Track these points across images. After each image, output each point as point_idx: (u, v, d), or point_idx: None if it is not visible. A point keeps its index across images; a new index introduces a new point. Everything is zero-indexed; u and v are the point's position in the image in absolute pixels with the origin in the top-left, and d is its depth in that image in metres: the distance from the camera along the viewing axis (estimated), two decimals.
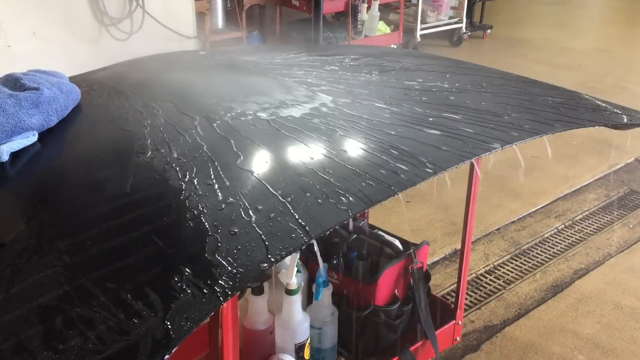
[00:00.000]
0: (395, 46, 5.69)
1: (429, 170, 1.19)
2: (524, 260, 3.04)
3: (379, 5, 5.61)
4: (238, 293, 1.14)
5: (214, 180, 1.15)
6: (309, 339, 1.78)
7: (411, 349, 1.91)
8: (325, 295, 1.80)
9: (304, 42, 5.13)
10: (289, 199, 1.09)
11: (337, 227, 1.13)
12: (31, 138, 1.35)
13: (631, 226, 3.33)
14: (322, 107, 1.48)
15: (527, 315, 2.64)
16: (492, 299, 2.74)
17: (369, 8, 5.59)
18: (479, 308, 2.69)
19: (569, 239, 3.22)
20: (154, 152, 1.26)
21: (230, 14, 5.35)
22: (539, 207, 3.51)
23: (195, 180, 1.15)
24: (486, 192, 3.61)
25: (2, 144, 1.29)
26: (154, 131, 1.35)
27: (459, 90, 1.68)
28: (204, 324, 1.37)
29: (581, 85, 5.30)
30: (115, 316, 0.88)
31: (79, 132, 1.45)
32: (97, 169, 1.28)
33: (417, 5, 6.07)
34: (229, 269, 0.94)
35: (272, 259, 0.96)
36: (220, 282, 0.91)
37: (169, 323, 0.85)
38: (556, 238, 3.23)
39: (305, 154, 1.25)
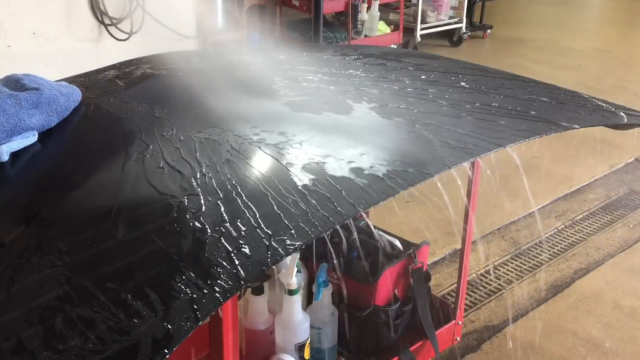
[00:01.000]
0: (395, 46, 5.69)
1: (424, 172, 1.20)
2: (524, 260, 3.04)
3: (379, 5, 5.61)
4: (238, 293, 1.14)
5: (213, 179, 1.15)
6: (309, 339, 1.78)
7: (411, 349, 1.91)
8: (325, 295, 1.80)
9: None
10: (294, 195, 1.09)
11: (337, 227, 1.13)
12: (31, 138, 1.35)
13: (631, 226, 3.33)
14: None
15: (527, 315, 2.64)
16: (492, 299, 2.74)
17: (369, 8, 5.59)
18: (479, 308, 2.69)
19: (569, 239, 3.22)
20: (154, 152, 1.26)
21: (230, 14, 5.35)
22: (539, 207, 3.51)
23: (196, 177, 1.15)
24: (486, 192, 3.60)
25: (2, 143, 1.29)
26: (153, 129, 1.35)
27: (458, 90, 1.68)
28: (204, 324, 1.37)
29: (581, 85, 5.30)
30: (115, 316, 0.88)
31: (79, 131, 1.45)
32: (97, 169, 1.28)
33: (417, 5, 6.06)
34: (229, 268, 0.93)
35: (273, 259, 0.96)
36: (220, 282, 0.91)
37: (169, 323, 0.85)
38: (556, 238, 3.23)
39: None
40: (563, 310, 2.67)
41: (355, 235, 2.02)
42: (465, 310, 2.62)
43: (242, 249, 0.98)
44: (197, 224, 1.03)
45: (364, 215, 2.22)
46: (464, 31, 6.52)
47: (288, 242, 0.98)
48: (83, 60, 3.84)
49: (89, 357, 0.83)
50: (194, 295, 0.89)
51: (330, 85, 1.65)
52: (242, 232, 1.01)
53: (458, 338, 2.13)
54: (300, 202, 1.07)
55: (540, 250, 3.12)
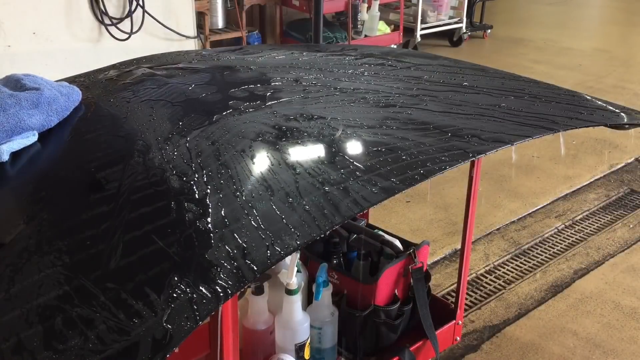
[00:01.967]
0: (395, 46, 5.69)
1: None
2: (524, 260, 3.04)
3: (379, 5, 5.61)
4: (238, 293, 1.14)
5: (213, 179, 1.15)
6: (309, 339, 1.78)
7: (411, 349, 1.91)
8: (325, 295, 1.80)
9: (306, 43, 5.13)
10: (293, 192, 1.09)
11: (337, 226, 1.13)
12: (31, 138, 1.35)
13: (631, 226, 3.33)
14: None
15: (527, 315, 2.64)
16: (492, 299, 2.74)
17: (369, 8, 5.59)
18: (479, 308, 2.69)
19: (569, 239, 3.22)
20: (155, 152, 1.26)
21: (230, 14, 5.35)
22: (539, 207, 3.51)
23: (195, 179, 1.15)
24: (486, 192, 3.61)
25: (2, 143, 1.29)
26: (155, 128, 1.35)
27: (454, 90, 1.68)
28: (204, 324, 1.37)
29: (581, 85, 5.30)
30: (115, 316, 0.88)
31: (79, 131, 1.45)
32: (97, 169, 1.28)
33: (417, 5, 6.06)
34: (229, 268, 0.93)
35: (273, 259, 0.96)
36: (220, 282, 0.91)
37: (169, 323, 0.85)
38: (556, 238, 3.23)
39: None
40: (563, 310, 2.67)
41: (355, 235, 2.02)
42: (465, 310, 2.62)
43: (243, 249, 0.98)
44: (197, 223, 1.04)
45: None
46: (464, 31, 6.52)
47: (289, 241, 0.99)
48: (83, 60, 3.84)
49: (89, 357, 0.83)
50: (194, 295, 0.89)
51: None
52: (243, 232, 1.01)
53: (458, 338, 2.13)
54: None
55: (541, 250, 3.12)
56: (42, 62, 3.80)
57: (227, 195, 1.10)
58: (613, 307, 2.69)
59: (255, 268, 0.95)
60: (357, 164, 1.21)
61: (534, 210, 3.48)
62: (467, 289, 2.76)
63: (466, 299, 2.67)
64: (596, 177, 3.85)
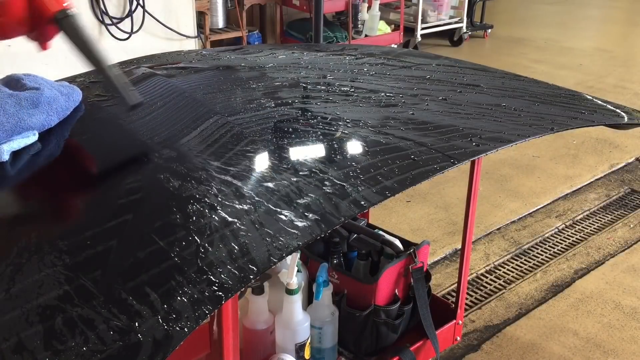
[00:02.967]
0: (395, 46, 5.69)
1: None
2: (525, 260, 3.04)
3: (380, 4, 5.61)
4: (238, 293, 1.14)
5: (213, 180, 1.15)
6: (309, 339, 1.78)
7: (411, 348, 1.91)
8: (325, 295, 1.80)
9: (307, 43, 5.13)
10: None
11: (337, 226, 1.13)
12: (31, 137, 1.35)
13: (632, 226, 3.33)
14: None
15: (527, 315, 2.64)
16: (493, 299, 2.74)
17: (369, 7, 5.59)
18: (480, 308, 2.69)
19: (569, 239, 3.22)
20: (158, 153, 1.26)
21: (231, 14, 5.35)
22: (539, 206, 3.51)
23: (193, 178, 1.15)
24: (486, 192, 3.61)
25: (3, 143, 1.29)
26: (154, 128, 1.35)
27: (455, 90, 1.68)
28: (204, 324, 1.37)
29: (581, 84, 5.30)
30: (115, 316, 0.88)
31: (79, 131, 1.45)
32: (97, 168, 1.28)
33: (417, 4, 6.06)
34: (229, 268, 0.93)
35: (273, 259, 0.96)
36: (220, 282, 0.91)
37: (169, 323, 0.85)
38: (557, 238, 3.23)
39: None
40: (563, 309, 2.67)
41: (356, 235, 2.02)
42: (466, 309, 2.62)
43: (243, 249, 0.98)
44: (197, 224, 1.04)
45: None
46: (465, 31, 6.52)
47: (290, 240, 0.99)
48: None
49: (89, 357, 0.83)
50: (194, 295, 0.89)
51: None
52: (243, 232, 1.01)
53: (458, 338, 2.13)
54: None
55: (541, 250, 3.12)
56: (42, 62, 3.80)
57: (227, 194, 1.10)
58: (613, 307, 2.69)
59: (255, 268, 0.95)
60: (358, 164, 1.21)
61: (534, 210, 3.48)
62: (468, 288, 2.76)
63: (466, 298, 2.67)
64: (596, 177, 3.85)
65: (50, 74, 1.62)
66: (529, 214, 3.44)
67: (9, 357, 0.84)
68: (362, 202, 1.10)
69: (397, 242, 1.96)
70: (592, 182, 3.80)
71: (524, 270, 2.95)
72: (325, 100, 1.54)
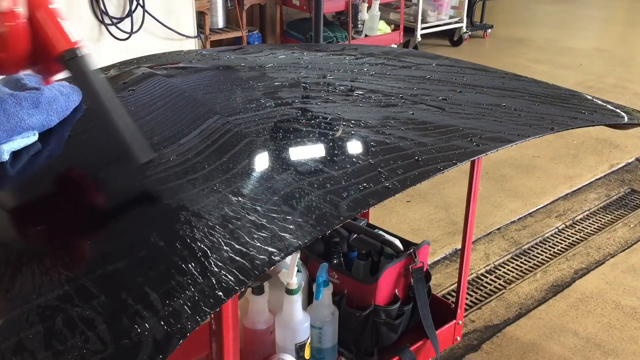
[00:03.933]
0: (395, 46, 5.69)
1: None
2: (525, 260, 3.04)
3: (380, 4, 5.61)
4: (238, 293, 1.14)
5: (213, 180, 1.15)
6: (309, 339, 1.78)
7: (411, 348, 1.91)
8: (325, 295, 1.80)
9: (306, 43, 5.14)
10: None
11: (337, 226, 1.13)
12: (31, 137, 1.35)
13: (632, 226, 3.33)
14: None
15: (527, 315, 2.64)
16: (493, 299, 2.74)
17: (369, 7, 5.59)
18: (480, 308, 2.69)
19: (569, 239, 3.22)
20: (158, 154, 1.26)
21: (231, 14, 5.35)
22: (539, 206, 3.51)
23: (193, 178, 1.15)
24: (486, 192, 3.61)
25: (3, 143, 1.29)
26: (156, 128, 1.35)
27: (455, 90, 1.68)
28: (204, 324, 1.37)
29: (581, 84, 5.30)
30: (115, 316, 0.88)
31: (79, 131, 1.45)
32: (97, 168, 1.28)
33: (417, 4, 6.06)
34: (229, 268, 0.93)
35: (273, 259, 0.96)
36: (220, 281, 0.91)
37: (169, 323, 0.85)
38: (557, 238, 3.23)
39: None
40: (564, 309, 2.67)
41: (356, 235, 2.02)
42: (466, 309, 2.62)
43: (242, 249, 0.98)
44: (197, 224, 1.04)
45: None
46: (465, 31, 6.52)
47: (291, 240, 0.99)
48: None
49: (89, 357, 0.83)
50: (194, 295, 0.89)
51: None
52: (243, 231, 1.01)
53: (458, 338, 2.13)
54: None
55: (541, 250, 3.12)
56: None
57: (227, 194, 1.10)
58: (613, 307, 2.69)
59: (255, 268, 0.95)
60: (358, 163, 1.21)
61: (534, 210, 3.48)
62: (468, 288, 2.76)
63: (466, 298, 2.67)
64: (596, 177, 3.85)
65: None
66: (529, 214, 3.44)
67: (9, 357, 0.84)
68: (362, 202, 1.10)
69: (397, 242, 1.96)
70: (592, 182, 3.80)
71: (524, 270, 2.95)
72: (325, 100, 1.54)
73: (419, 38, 6.11)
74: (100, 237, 1.07)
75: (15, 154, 1.31)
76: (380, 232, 2.07)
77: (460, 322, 2.10)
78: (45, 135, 1.38)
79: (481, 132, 1.37)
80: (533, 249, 3.13)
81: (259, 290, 1.72)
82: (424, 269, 1.94)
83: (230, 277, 0.92)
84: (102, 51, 4.00)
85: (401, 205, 3.43)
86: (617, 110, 1.68)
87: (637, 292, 2.79)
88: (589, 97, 1.77)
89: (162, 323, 0.85)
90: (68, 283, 0.95)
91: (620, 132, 4.03)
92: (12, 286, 0.97)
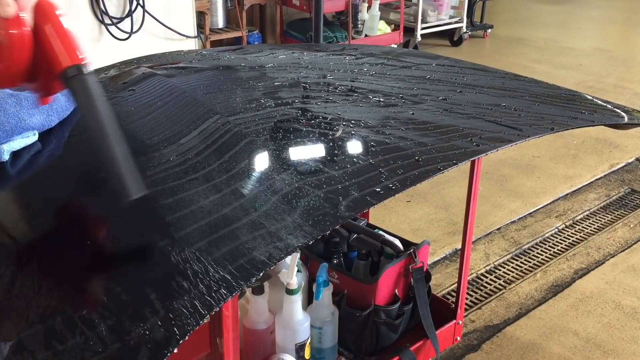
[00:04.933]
0: (395, 46, 5.69)
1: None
2: (525, 260, 3.04)
3: (380, 4, 5.61)
4: (238, 293, 1.14)
5: (213, 180, 1.15)
6: (309, 339, 1.78)
7: (411, 348, 1.91)
8: (325, 295, 1.80)
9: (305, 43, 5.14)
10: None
11: (337, 226, 1.13)
12: (31, 137, 1.35)
13: (632, 226, 3.33)
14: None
15: (527, 314, 2.64)
16: (493, 299, 2.74)
17: (369, 7, 5.59)
18: (480, 308, 2.69)
19: (569, 239, 3.22)
20: (158, 154, 1.26)
21: (231, 14, 5.35)
22: (539, 206, 3.51)
23: (193, 178, 1.15)
24: (486, 192, 3.61)
25: (3, 143, 1.29)
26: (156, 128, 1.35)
27: (454, 90, 1.68)
28: (204, 324, 1.37)
29: (581, 84, 5.30)
30: (115, 316, 0.88)
31: (79, 131, 1.45)
32: (97, 168, 1.28)
33: (417, 4, 6.07)
34: (229, 268, 0.93)
35: (273, 259, 0.96)
36: (220, 281, 0.91)
37: (169, 323, 0.85)
38: (557, 238, 3.23)
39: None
40: (564, 309, 2.67)
41: (356, 234, 2.02)
42: (466, 309, 2.62)
43: (242, 249, 0.98)
44: (197, 223, 1.03)
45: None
46: (465, 31, 6.52)
47: (289, 241, 0.98)
48: None
49: (89, 357, 0.83)
50: (195, 295, 0.89)
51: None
52: (243, 231, 1.01)
53: (458, 338, 2.13)
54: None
55: (541, 250, 3.12)
56: None
57: (227, 194, 1.10)
58: (613, 307, 2.69)
59: (256, 268, 0.95)
60: (358, 163, 1.21)
61: (534, 210, 3.48)
62: (468, 288, 2.76)
63: (466, 298, 2.67)
64: (597, 177, 3.85)
65: None
66: (529, 214, 3.44)
67: (9, 357, 0.84)
68: (362, 202, 1.10)
69: (397, 242, 1.96)
70: (592, 182, 3.80)
71: (524, 270, 2.95)
72: (326, 100, 1.54)
73: (419, 38, 6.12)
74: (100, 237, 1.07)
75: (15, 154, 1.31)
76: (380, 232, 2.07)
77: (460, 322, 2.10)
78: (45, 135, 1.38)
79: (481, 131, 1.37)
80: (533, 249, 3.13)
81: (259, 290, 1.72)
82: (424, 269, 1.94)
83: (230, 277, 0.92)
84: (102, 51, 4.00)
85: (401, 205, 3.43)
86: (617, 110, 1.68)
87: (637, 292, 2.79)
88: (589, 97, 1.77)
89: (162, 323, 0.85)
90: (68, 282, 0.95)
91: (620, 132, 4.03)
92: (12, 286, 0.97)
